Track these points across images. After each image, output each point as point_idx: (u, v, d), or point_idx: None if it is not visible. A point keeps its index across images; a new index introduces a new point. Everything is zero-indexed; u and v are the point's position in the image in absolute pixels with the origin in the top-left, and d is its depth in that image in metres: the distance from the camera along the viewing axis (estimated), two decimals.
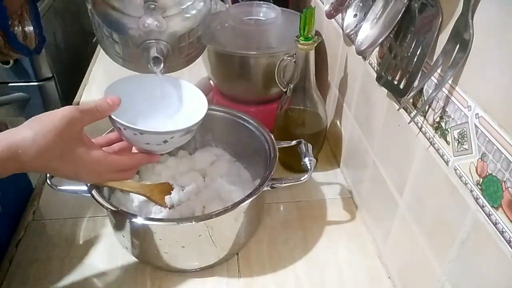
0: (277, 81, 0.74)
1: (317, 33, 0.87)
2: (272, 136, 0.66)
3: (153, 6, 0.58)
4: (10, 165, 0.42)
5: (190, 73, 1.07)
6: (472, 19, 0.39)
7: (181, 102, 0.57)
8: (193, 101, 0.56)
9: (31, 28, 0.66)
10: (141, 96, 0.55)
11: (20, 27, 0.64)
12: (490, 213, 0.38)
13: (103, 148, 0.50)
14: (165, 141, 0.50)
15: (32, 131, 0.43)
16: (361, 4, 0.60)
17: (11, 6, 0.61)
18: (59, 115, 0.44)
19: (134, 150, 0.54)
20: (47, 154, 0.43)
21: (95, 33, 0.66)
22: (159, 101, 0.57)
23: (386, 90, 0.57)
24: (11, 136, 0.42)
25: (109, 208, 0.55)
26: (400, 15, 0.49)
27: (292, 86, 0.72)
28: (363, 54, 0.60)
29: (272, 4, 0.87)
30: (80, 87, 1.06)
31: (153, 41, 0.60)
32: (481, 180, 0.40)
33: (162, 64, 0.58)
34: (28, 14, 0.65)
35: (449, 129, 0.44)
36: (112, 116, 0.48)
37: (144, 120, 0.54)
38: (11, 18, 0.62)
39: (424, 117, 0.49)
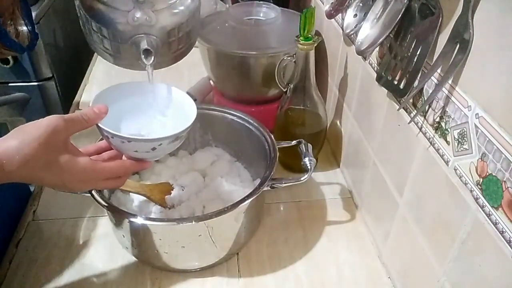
0: (277, 81, 0.74)
1: (317, 33, 0.87)
2: (272, 136, 0.66)
3: None
4: None
5: (190, 73, 1.07)
6: (472, 19, 0.39)
7: (171, 108, 0.57)
8: (182, 108, 0.56)
9: (24, 26, 0.66)
10: (130, 104, 0.55)
11: (12, 26, 0.64)
12: (490, 213, 0.38)
13: (92, 157, 0.50)
14: (154, 148, 0.50)
15: (16, 141, 0.42)
16: (361, 4, 0.60)
17: (2, 4, 0.61)
18: (43, 124, 0.44)
19: (124, 158, 0.53)
20: (32, 163, 0.43)
21: (82, 29, 0.66)
22: (149, 108, 0.57)
23: (386, 90, 0.57)
24: None
25: (109, 208, 0.55)
26: (400, 15, 0.49)
27: (292, 86, 0.72)
28: (363, 54, 0.60)
29: (272, 4, 0.87)
30: (80, 87, 1.06)
31: (143, 35, 0.59)
32: (481, 180, 0.40)
33: (153, 57, 0.57)
34: (20, 12, 0.65)
35: (449, 129, 0.44)
36: (99, 125, 0.48)
37: (133, 128, 0.54)
38: (3, 16, 0.62)
39: (424, 117, 0.49)
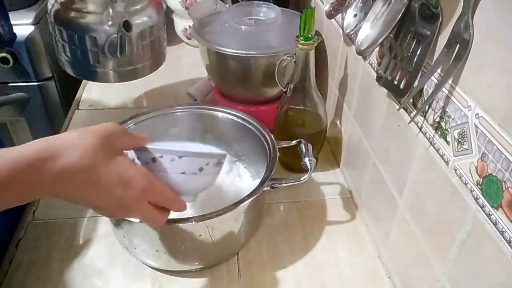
0: (277, 81, 0.74)
1: (317, 33, 0.87)
2: (272, 136, 0.66)
3: None
4: (44, 173, 0.38)
5: (190, 73, 1.08)
6: (472, 19, 0.39)
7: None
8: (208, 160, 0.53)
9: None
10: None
11: None
12: (490, 213, 0.38)
13: None
14: (201, 169, 0.48)
15: (76, 133, 0.41)
16: (361, 4, 0.60)
17: None
18: (102, 125, 0.44)
19: None
20: (93, 154, 0.40)
21: (56, 50, 0.72)
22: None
23: (386, 90, 0.57)
24: (51, 138, 0.40)
25: None
26: (400, 15, 0.49)
27: (292, 86, 0.73)
28: (363, 54, 0.60)
29: (272, 4, 0.87)
30: (80, 87, 1.05)
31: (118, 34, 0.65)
32: (481, 180, 0.40)
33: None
34: None
35: (449, 129, 0.44)
36: (148, 146, 0.47)
37: None
38: None
39: (424, 117, 0.49)
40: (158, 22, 0.72)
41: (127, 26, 0.65)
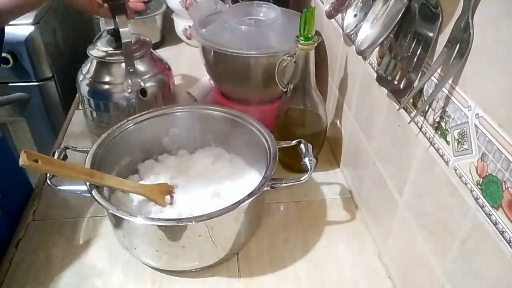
0: (277, 81, 0.74)
1: (317, 33, 0.87)
2: (272, 136, 0.66)
3: (132, 69, 0.78)
4: None
5: (190, 73, 1.08)
6: (472, 19, 0.39)
7: None
8: None
9: None
10: None
11: None
12: (490, 213, 0.38)
13: None
14: None
15: None
16: (361, 4, 0.60)
17: None
18: None
19: None
20: None
21: (84, 114, 0.87)
22: None
23: (386, 90, 0.57)
24: None
25: (109, 208, 0.55)
26: (400, 15, 0.49)
27: (292, 86, 0.73)
28: (363, 54, 0.60)
29: (272, 4, 0.87)
30: None
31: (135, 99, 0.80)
32: (481, 180, 0.40)
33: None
34: None
35: (449, 129, 0.44)
36: None
37: None
38: None
39: (424, 117, 0.49)
40: (167, 85, 0.86)
41: (143, 92, 0.79)
